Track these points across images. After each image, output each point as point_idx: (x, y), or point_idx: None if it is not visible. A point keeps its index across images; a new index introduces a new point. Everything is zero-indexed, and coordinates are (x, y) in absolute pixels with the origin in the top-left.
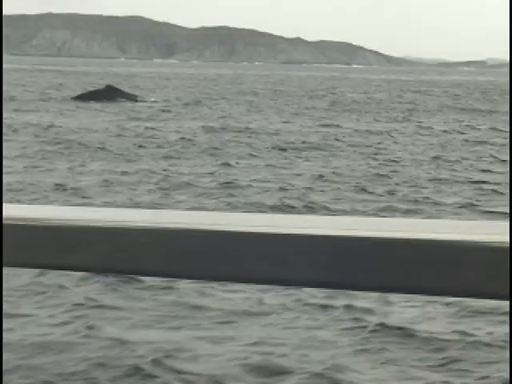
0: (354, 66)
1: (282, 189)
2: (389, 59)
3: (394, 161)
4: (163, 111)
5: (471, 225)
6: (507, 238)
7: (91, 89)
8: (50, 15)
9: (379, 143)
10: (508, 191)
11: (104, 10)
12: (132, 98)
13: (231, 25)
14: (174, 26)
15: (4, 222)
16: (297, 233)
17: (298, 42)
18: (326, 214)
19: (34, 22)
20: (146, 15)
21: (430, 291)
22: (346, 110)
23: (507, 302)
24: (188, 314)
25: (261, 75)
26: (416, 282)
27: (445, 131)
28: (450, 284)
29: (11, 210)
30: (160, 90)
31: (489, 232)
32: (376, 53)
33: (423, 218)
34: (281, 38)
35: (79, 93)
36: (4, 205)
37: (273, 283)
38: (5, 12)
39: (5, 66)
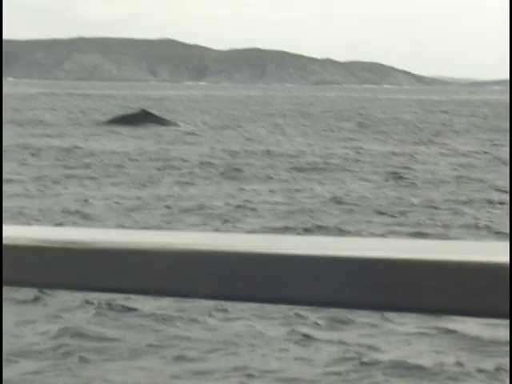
0: (385, 86)
1: (291, 212)
2: (420, 79)
3: (413, 183)
4: (190, 134)
5: (472, 245)
6: (507, 259)
7: (121, 113)
8: (81, 39)
9: (401, 165)
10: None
11: (135, 33)
12: (164, 123)
13: (262, 46)
14: (205, 48)
15: (4, 242)
16: (337, 255)
17: (328, 62)
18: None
19: (66, 46)
20: (177, 38)
21: (431, 311)
22: (372, 132)
23: (507, 321)
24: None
25: (290, 96)
26: (417, 301)
27: (470, 152)
28: (451, 303)
29: (11, 231)
30: (191, 112)
31: (489, 252)
32: (407, 73)
33: (422, 239)
34: (311, 59)
35: (108, 117)
36: (4, 226)
37: (316, 305)
38: (36, 37)
39: (36, 90)
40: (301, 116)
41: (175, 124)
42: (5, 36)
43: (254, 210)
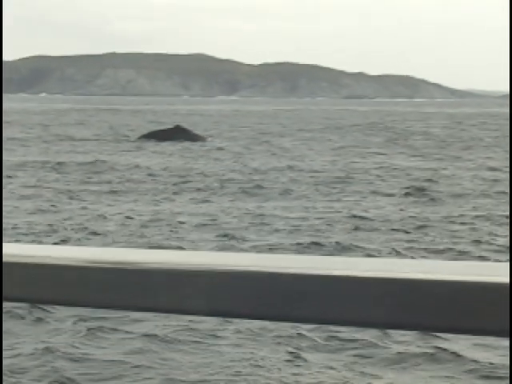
0: (417, 100)
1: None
2: (452, 92)
3: (432, 199)
4: (219, 150)
5: (473, 265)
6: (507, 279)
7: (153, 128)
8: (114, 55)
9: (425, 180)
10: None
11: (167, 48)
12: (195, 138)
13: (293, 60)
14: (237, 62)
15: (4, 259)
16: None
17: (360, 76)
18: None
19: (99, 61)
20: (209, 53)
21: (432, 329)
22: (400, 146)
23: (507, 340)
24: None
25: (321, 110)
26: (418, 319)
27: (497, 167)
28: (452, 322)
29: (10, 249)
30: (222, 127)
31: (490, 273)
32: (439, 86)
33: (424, 259)
34: (343, 72)
35: (140, 132)
36: (4, 244)
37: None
38: (70, 52)
39: (67, 105)
40: (330, 130)
41: (206, 139)
42: (38, 52)
43: (266, 225)
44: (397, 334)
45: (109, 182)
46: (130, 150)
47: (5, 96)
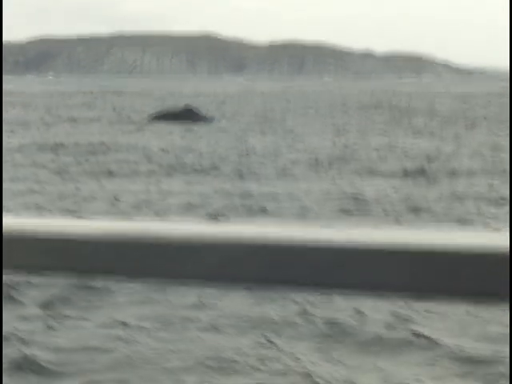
0: (424, 79)
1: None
2: (460, 70)
3: (431, 179)
4: (224, 131)
5: (473, 233)
6: (507, 246)
7: (161, 109)
8: (120, 35)
9: (425, 160)
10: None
11: (174, 27)
12: (204, 120)
13: (300, 39)
14: (244, 42)
15: (4, 230)
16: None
17: (367, 55)
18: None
19: (106, 42)
20: (216, 32)
21: (433, 297)
22: (403, 125)
23: (507, 306)
24: None
25: (327, 90)
26: (420, 286)
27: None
28: (453, 290)
29: (10, 220)
30: (227, 107)
31: (490, 240)
32: (447, 64)
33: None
34: (350, 51)
35: (147, 114)
36: (4, 215)
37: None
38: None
39: (73, 87)
40: (334, 110)
41: (213, 120)
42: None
43: (253, 205)
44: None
45: (104, 163)
46: (133, 131)
47: (12, 78)
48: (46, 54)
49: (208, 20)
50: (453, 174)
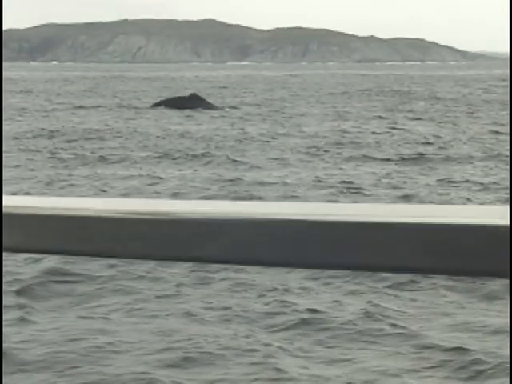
0: (428, 63)
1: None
2: (464, 54)
3: (429, 164)
4: (227, 118)
5: (473, 208)
6: (507, 221)
7: (163, 96)
8: (124, 22)
9: (424, 145)
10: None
11: (178, 14)
12: (210, 107)
13: (304, 25)
14: (247, 28)
15: (4, 209)
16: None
17: (371, 40)
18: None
19: (110, 29)
20: (220, 18)
21: (433, 271)
22: (405, 111)
23: (507, 280)
24: None
25: (331, 75)
26: (421, 262)
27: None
28: (453, 264)
29: (10, 200)
30: (229, 93)
31: (490, 215)
32: (451, 48)
33: (424, 204)
34: (354, 36)
35: (150, 101)
36: (4, 195)
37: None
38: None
39: (76, 73)
40: (337, 95)
41: (219, 107)
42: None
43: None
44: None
45: (98, 150)
46: (134, 118)
47: (15, 64)
48: (50, 40)
49: (212, 7)
50: (448, 159)
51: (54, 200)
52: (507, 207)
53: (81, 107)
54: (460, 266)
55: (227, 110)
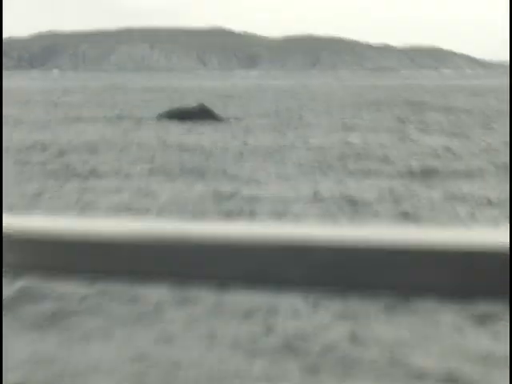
0: (444, 72)
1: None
2: (481, 63)
3: (435, 179)
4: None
5: (472, 230)
6: (507, 244)
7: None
8: (128, 30)
9: (433, 159)
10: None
11: (184, 22)
12: (215, 118)
13: (315, 33)
14: (256, 36)
15: (4, 231)
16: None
17: (385, 48)
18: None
19: (113, 37)
20: (227, 26)
21: (431, 294)
22: (416, 122)
23: (507, 305)
24: None
25: (343, 86)
26: (419, 286)
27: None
28: (450, 289)
29: (10, 219)
30: (240, 104)
31: (490, 237)
32: (468, 57)
33: (423, 227)
34: (367, 45)
35: (151, 111)
36: (4, 214)
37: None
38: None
39: (77, 83)
40: (347, 107)
41: (226, 119)
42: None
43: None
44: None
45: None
46: (135, 130)
47: (15, 74)
48: (51, 49)
49: (218, 14)
50: (457, 173)
51: (63, 220)
52: (507, 227)
53: (78, 119)
54: (457, 289)
55: (232, 120)
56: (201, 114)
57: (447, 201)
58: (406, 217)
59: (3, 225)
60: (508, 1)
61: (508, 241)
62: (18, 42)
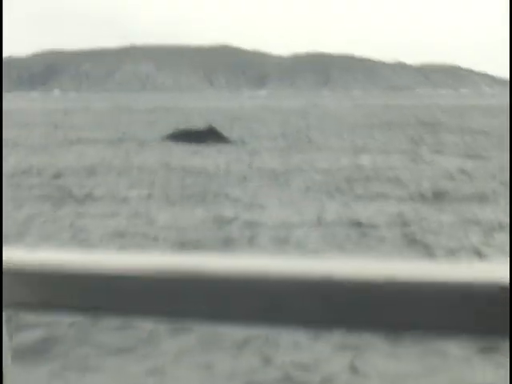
0: (462, 91)
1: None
2: (500, 82)
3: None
4: (231, 151)
5: (472, 266)
6: (507, 280)
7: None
8: (132, 48)
9: (446, 181)
10: None
11: (190, 40)
12: (222, 140)
13: (326, 50)
14: (265, 54)
15: (4, 265)
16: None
17: (399, 66)
18: None
19: (116, 56)
20: (234, 44)
21: (429, 332)
22: (430, 144)
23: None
24: None
25: (355, 106)
26: (415, 322)
27: None
28: (451, 324)
29: (11, 254)
30: (248, 126)
31: (490, 273)
32: (486, 75)
33: (424, 261)
34: (380, 62)
35: (158, 133)
36: (4, 248)
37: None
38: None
39: (78, 104)
40: (358, 128)
41: (235, 141)
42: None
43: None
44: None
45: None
46: (137, 152)
47: (14, 95)
48: (52, 68)
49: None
50: (469, 197)
51: (66, 254)
52: (507, 264)
53: (78, 141)
54: (456, 326)
55: (238, 142)
56: (207, 136)
57: (458, 225)
58: (413, 243)
59: (3, 259)
60: None
61: (508, 276)
62: (18, 62)
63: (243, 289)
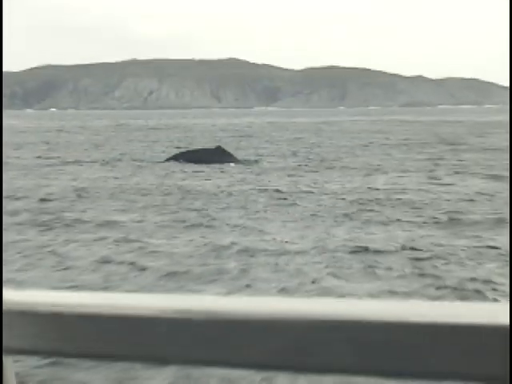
0: (487, 106)
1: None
2: None
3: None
4: (236, 172)
5: (472, 307)
6: (507, 321)
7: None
8: (134, 62)
9: (464, 204)
10: None
11: (195, 53)
12: (230, 160)
13: (341, 64)
14: (275, 67)
15: (4, 307)
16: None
17: (419, 80)
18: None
19: (117, 70)
20: (243, 57)
21: (427, 375)
22: (445, 164)
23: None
24: None
25: (372, 121)
26: (414, 366)
27: None
28: (449, 366)
29: (11, 296)
30: (258, 145)
31: (489, 315)
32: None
33: (420, 302)
34: (400, 76)
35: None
36: (4, 290)
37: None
38: (84, 61)
39: (75, 123)
40: (373, 147)
41: (244, 162)
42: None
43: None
44: None
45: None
46: (134, 174)
47: (7, 113)
48: (48, 84)
49: (234, 44)
50: (485, 221)
51: (73, 295)
52: (507, 305)
53: (72, 162)
54: (455, 368)
55: (246, 162)
56: (213, 156)
57: (471, 253)
58: (422, 273)
59: (3, 301)
60: None
61: (508, 319)
62: (11, 77)
63: (263, 330)
